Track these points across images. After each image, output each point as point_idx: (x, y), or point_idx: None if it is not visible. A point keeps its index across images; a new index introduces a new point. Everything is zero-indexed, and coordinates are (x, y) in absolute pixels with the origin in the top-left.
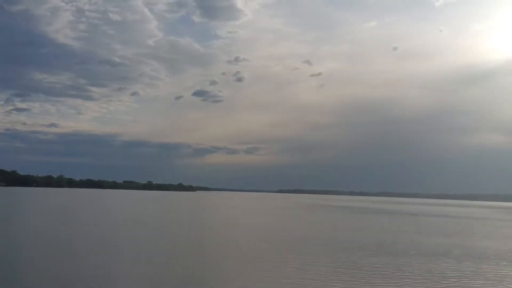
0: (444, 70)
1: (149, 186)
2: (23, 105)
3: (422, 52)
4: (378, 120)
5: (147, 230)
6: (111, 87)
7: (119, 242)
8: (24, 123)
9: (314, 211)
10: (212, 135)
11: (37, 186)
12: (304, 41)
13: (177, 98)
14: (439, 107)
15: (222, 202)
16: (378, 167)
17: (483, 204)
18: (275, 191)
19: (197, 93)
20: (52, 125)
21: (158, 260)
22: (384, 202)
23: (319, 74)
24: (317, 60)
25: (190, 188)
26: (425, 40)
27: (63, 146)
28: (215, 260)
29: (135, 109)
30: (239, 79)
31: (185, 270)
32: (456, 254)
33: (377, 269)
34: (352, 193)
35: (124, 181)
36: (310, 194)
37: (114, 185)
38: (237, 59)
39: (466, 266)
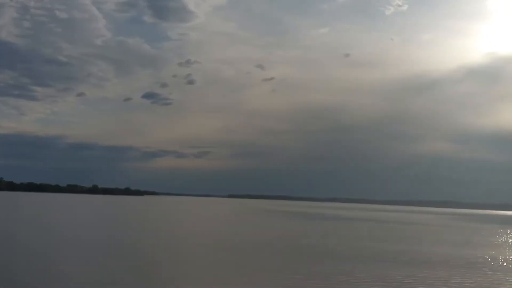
0: (394, 78)
1: (94, 190)
2: None
3: (373, 60)
4: (329, 126)
5: (82, 237)
6: (56, 87)
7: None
8: None
9: (264, 217)
10: (162, 139)
11: None
12: (257, 45)
13: (126, 100)
14: (388, 114)
15: (169, 207)
16: (327, 173)
17: (429, 210)
18: (225, 196)
19: (147, 96)
20: None
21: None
22: (333, 207)
23: (272, 78)
24: (270, 64)
25: (137, 193)
26: (376, 48)
27: (3, 147)
28: (157, 267)
29: (81, 110)
30: (191, 82)
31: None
32: (406, 259)
33: (328, 275)
34: (301, 198)
35: (68, 185)
36: (260, 199)
37: (57, 189)
38: (188, 62)
39: (416, 272)
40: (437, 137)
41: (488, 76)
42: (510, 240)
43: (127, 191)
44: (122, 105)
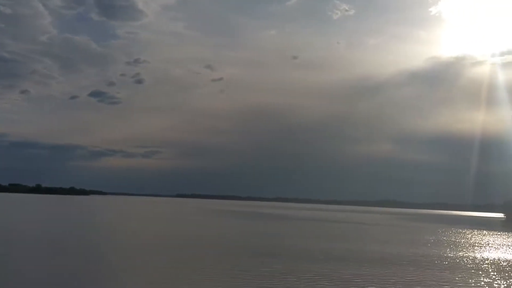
0: (340, 81)
1: (37, 190)
2: None
3: (320, 63)
4: (276, 127)
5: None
6: None
7: None
8: None
9: (209, 216)
10: (109, 138)
11: None
12: (206, 45)
13: (72, 98)
14: (335, 116)
15: (111, 206)
16: (275, 173)
17: (374, 209)
18: (173, 196)
19: (94, 94)
20: None
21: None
22: (280, 207)
23: (220, 79)
24: (219, 65)
25: (82, 192)
26: (323, 51)
27: None
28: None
29: (24, 108)
30: (139, 81)
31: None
32: (353, 258)
33: (276, 274)
34: (249, 198)
35: (10, 184)
36: (209, 199)
37: None
38: (136, 61)
39: (364, 270)
40: (381, 139)
41: (429, 80)
42: (452, 239)
43: (71, 191)
44: (68, 103)
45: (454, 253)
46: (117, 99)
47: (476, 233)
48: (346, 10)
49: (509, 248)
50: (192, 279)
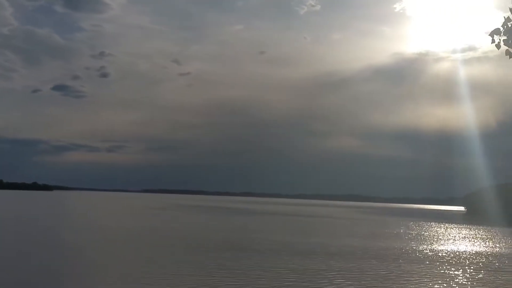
0: (306, 76)
1: None
2: None
3: (288, 58)
4: (243, 121)
5: None
6: None
7: None
8: None
9: (175, 211)
10: (73, 132)
11: None
12: (173, 39)
13: (34, 91)
14: (301, 111)
15: (74, 202)
16: (242, 168)
17: (339, 203)
18: (140, 191)
19: (57, 88)
20: None
21: None
22: (247, 202)
23: (188, 73)
24: (186, 59)
25: (45, 188)
26: (290, 46)
27: None
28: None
29: None
30: (104, 75)
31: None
32: (320, 252)
33: (244, 269)
34: (216, 193)
35: None
36: (175, 194)
37: None
38: (102, 54)
39: (331, 263)
40: (346, 133)
41: (393, 75)
42: (415, 232)
43: (34, 186)
44: (30, 97)
45: (417, 245)
46: (82, 93)
47: (438, 226)
48: (312, 6)
49: (470, 240)
50: (160, 276)
